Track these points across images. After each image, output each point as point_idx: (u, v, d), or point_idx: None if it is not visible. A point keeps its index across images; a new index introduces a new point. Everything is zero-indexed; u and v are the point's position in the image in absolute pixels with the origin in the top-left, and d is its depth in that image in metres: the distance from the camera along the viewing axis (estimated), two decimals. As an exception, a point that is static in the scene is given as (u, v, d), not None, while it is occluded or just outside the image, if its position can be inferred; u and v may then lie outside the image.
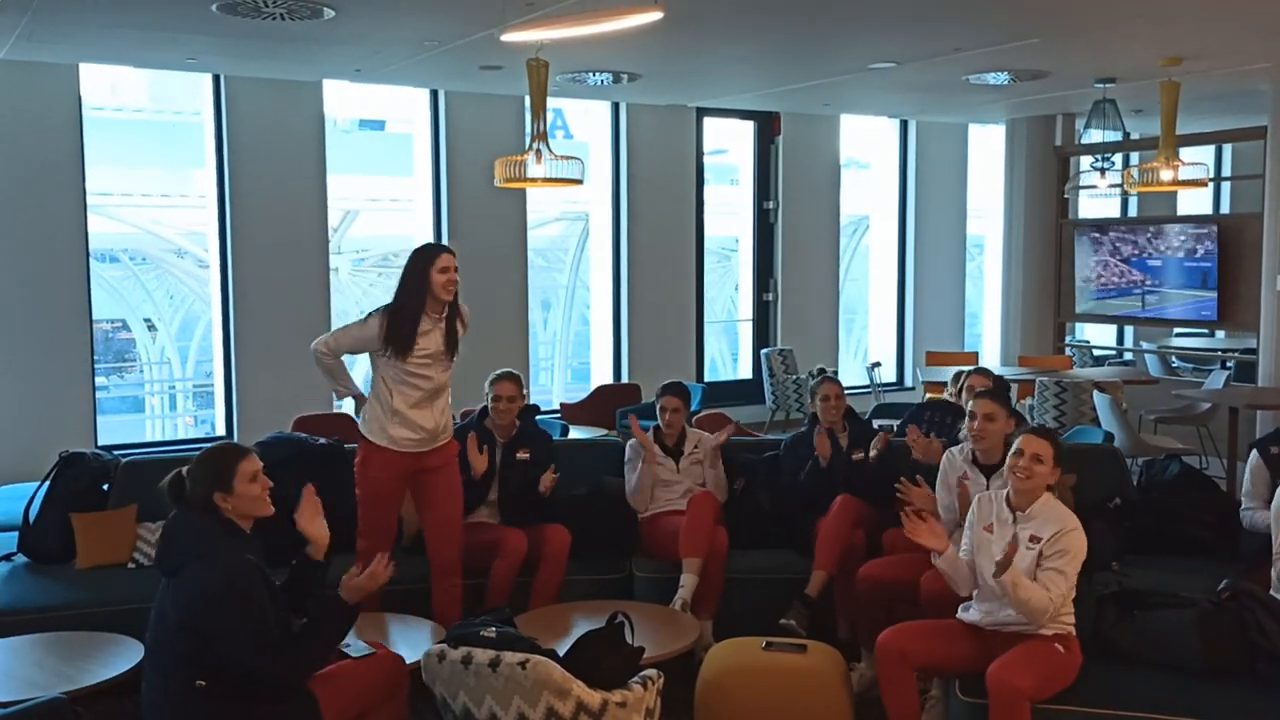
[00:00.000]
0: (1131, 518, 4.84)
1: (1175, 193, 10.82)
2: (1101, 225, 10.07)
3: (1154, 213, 11.17)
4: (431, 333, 4.38)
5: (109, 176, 10.38)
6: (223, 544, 3.17)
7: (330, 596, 3.34)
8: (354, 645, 3.53)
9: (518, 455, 5.03)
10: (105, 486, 5.09)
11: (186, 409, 12.52)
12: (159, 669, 3.17)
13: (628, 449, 5.30)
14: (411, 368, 4.35)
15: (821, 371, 5.69)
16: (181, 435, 10.88)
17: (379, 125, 14.39)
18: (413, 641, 3.80)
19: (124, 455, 5.43)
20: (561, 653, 3.34)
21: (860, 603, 4.41)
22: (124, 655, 3.71)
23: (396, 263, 14.17)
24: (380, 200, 13.43)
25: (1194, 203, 11.91)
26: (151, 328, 12.66)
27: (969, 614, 3.73)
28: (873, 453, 4.98)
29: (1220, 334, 10.51)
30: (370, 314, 4.43)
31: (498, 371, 5.16)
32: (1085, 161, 9.78)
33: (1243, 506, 4.63)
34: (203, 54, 7.07)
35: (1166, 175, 7.62)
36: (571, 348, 13.17)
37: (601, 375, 9.77)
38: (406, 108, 9.48)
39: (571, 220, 13.22)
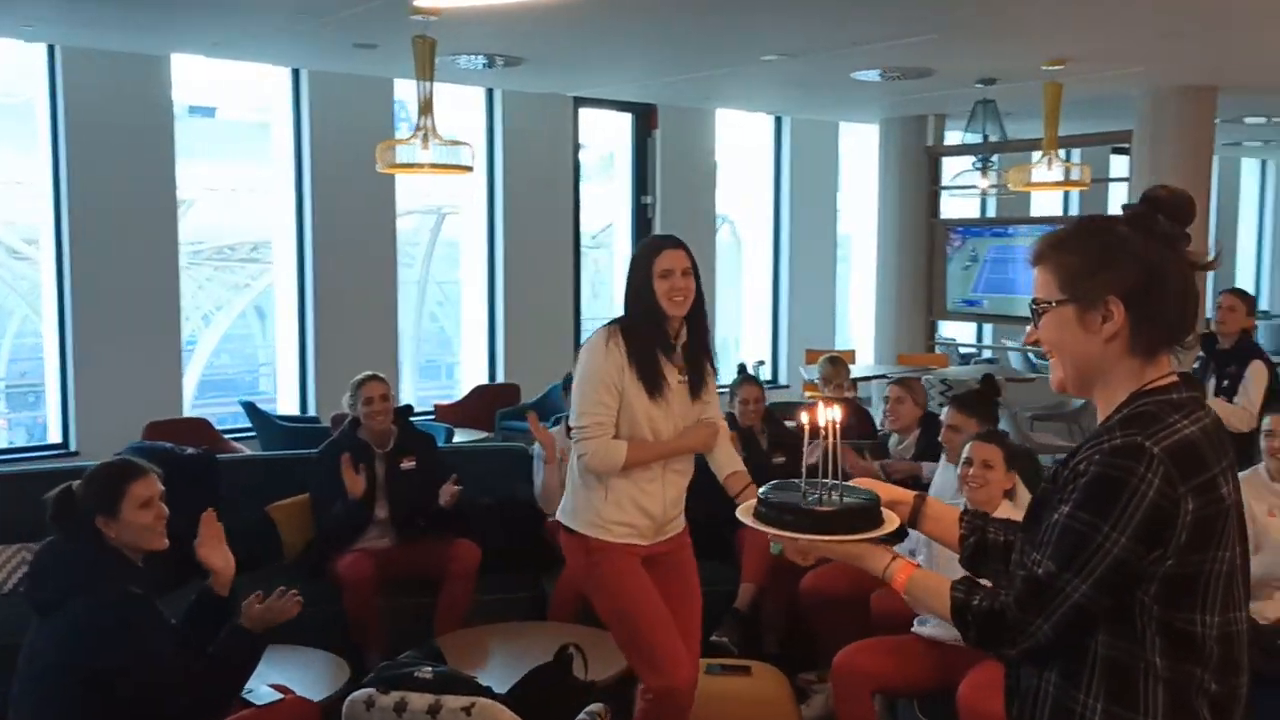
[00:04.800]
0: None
1: (1029, 194, 11.12)
2: (968, 225, 10.22)
3: (1011, 214, 11.42)
4: (666, 362, 3.20)
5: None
6: (106, 575, 2.71)
7: (233, 627, 2.90)
8: (257, 691, 3.09)
9: (402, 465, 4.64)
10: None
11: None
12: (31, 716, 2.69)
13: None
14: (639, 414, 3.12)
15: (742, 370, 5.45)
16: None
17: (209, 112, 13.58)
18: (320, 680, 3.37)
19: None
20: (498, 688, 3.00)
21: (810, 620, 4.18)
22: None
23: (234, 256, 13.37)
24: (219, 189, 12.58)
25: (1046, 205, 12.30)
26: (-48, 324, 11.49)
27: (925, 628, 3.54)
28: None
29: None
30: (593, 337, 3.20)
31: (361, 375, 4.72)
32: (958, 162, 9.88)
33: None
34: (39, 22, 6.33)
35: (1042, 175, 7.76)
36: (420, 345, 12.67)
37: (475, 375, 9.32)
38: (242, 92, 8.80)
39: (424, 214, 12.67)
